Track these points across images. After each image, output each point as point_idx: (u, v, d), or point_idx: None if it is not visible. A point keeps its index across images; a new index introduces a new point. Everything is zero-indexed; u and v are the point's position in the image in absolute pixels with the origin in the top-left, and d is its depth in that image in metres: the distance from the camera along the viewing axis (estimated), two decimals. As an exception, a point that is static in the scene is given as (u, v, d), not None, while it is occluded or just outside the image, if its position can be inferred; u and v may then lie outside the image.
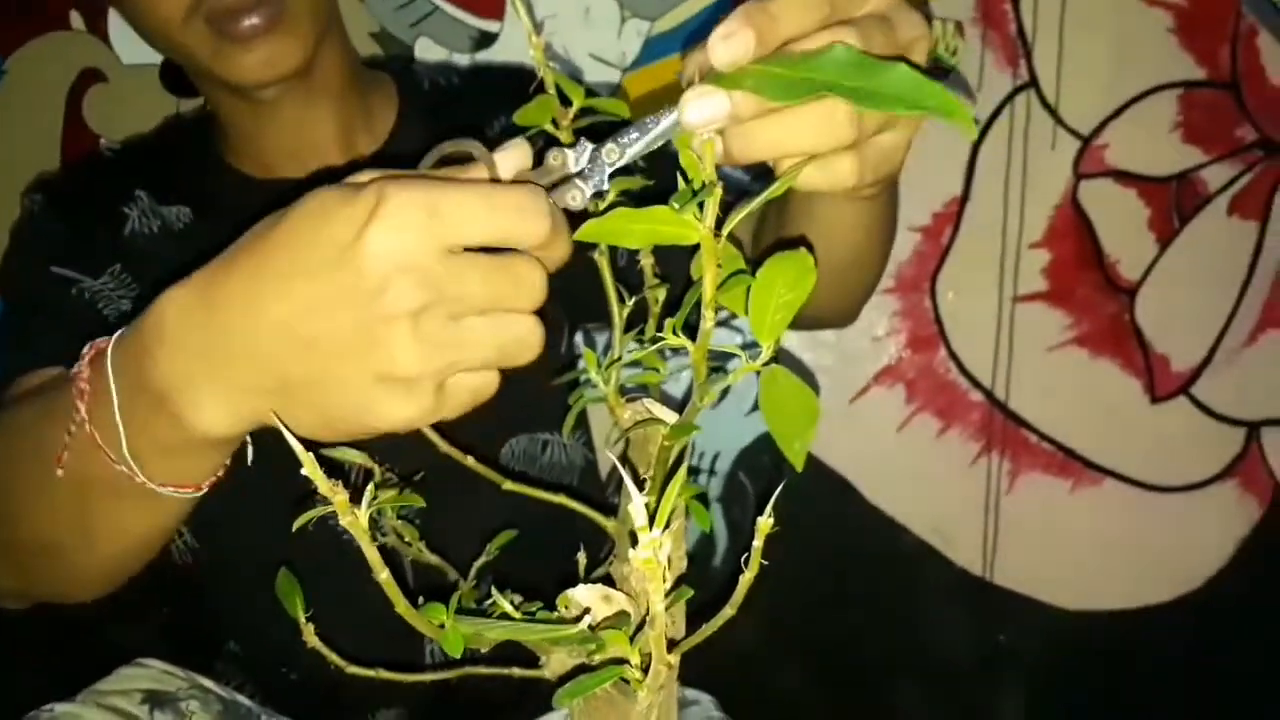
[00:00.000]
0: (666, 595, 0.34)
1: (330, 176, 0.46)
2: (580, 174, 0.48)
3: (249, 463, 0.52)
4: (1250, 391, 1.37)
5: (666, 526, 0.32)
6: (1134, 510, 1.39)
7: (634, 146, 0.47)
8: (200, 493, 0.53)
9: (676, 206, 0.39)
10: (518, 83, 0.53)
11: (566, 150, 0.48)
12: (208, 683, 0.92)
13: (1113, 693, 1.42)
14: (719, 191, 0.40)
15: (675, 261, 0.58)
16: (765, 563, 0.42)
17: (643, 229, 0.40)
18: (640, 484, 0.47)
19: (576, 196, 0.48)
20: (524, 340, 0.45)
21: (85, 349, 0.51)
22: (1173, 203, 1.34)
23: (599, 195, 0.49)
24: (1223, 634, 1.40)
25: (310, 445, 0.37)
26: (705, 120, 0.43)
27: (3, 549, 0.65)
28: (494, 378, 0.46)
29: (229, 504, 0.82)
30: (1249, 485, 1.39)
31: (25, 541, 0.61)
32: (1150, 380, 1.37)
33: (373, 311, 0.41)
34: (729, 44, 0.42)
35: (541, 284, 0.45)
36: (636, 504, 0.30)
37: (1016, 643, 1.41)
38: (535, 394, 0.81)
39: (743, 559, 0.41)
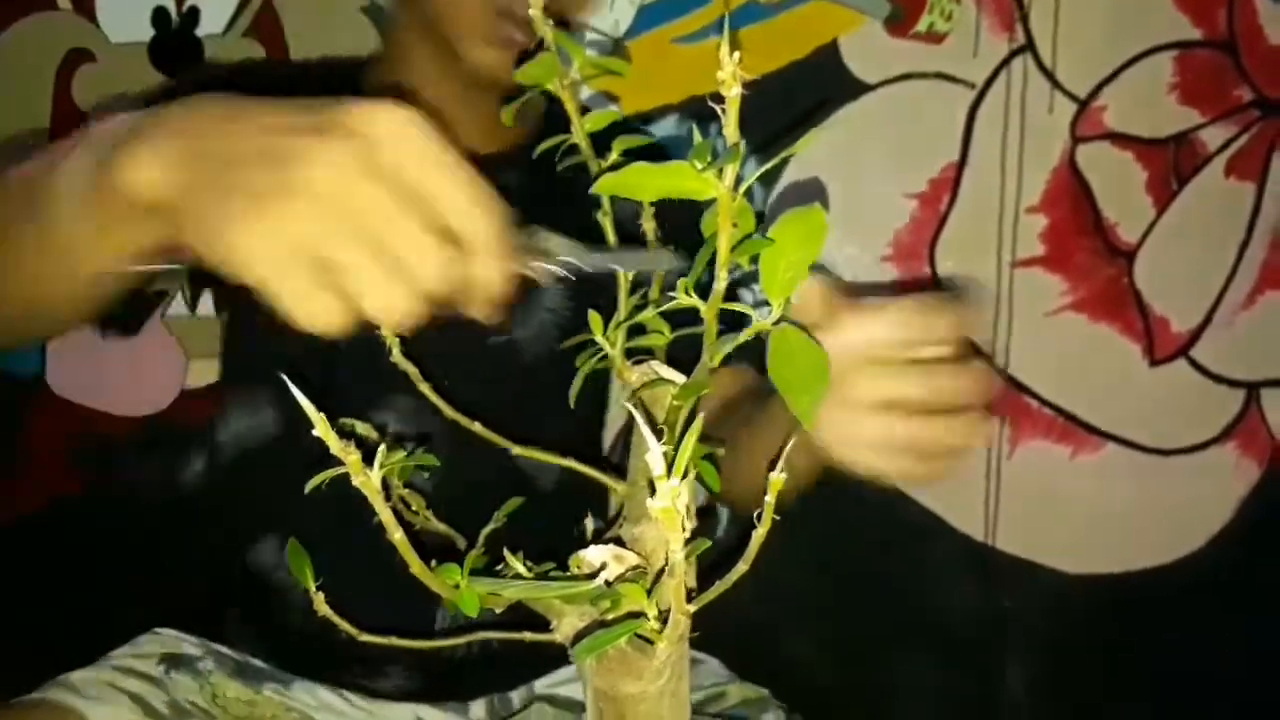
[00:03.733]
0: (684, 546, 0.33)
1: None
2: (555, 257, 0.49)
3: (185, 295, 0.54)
4: (1249, 353, 1.37)
5: (684, 476, 0.32)
6: (1135, 473, 1.39)
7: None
8: (94, 267, 0.52)
9: (697, 165, 0.39)
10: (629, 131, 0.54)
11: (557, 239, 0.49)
12: (221, 648, 0.94)
13: (1117, 656, 1.43)
14: (740, 151, 0.39)
15: (676, 227, 0.58)
16: (778, 517, 0.42)
17: (659, 183, 0.39)
18: (657, 434, 0.46)
19: (540, 267, 0.49)
20: (387, 288, 0.43)
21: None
22: (1170, 164, 1.33)
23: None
24: (1225, 594, 1.40)
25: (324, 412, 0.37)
26: None
27: None
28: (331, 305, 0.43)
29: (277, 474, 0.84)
30: (1248, 446, 1.39)
31: None
32: (1150, 343, 1.37)
33: (307, 160, 0.43)
34: None
35: (437, 267, 0.44)
36: (655, 452, 0.30)
37: (1020, 608, 1.42)
38: (554, 398, 0.82)
39: (755, 515, 0.41)
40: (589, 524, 0.56)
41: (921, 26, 1.30)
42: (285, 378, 0.38)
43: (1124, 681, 1.43)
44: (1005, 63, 1.32)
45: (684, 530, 0.32)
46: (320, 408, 0.38)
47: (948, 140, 1.34)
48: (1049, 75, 1.32)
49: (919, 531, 1.40)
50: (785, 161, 1.32)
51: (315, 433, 0.37)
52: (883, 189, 1.35)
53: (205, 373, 1.37)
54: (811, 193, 1.32)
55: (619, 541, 0.50)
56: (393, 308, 0.43)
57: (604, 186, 0.41)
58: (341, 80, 0.98)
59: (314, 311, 0.43)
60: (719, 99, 0.39)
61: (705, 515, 1.39)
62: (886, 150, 1.34)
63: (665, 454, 0.31)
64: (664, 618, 0.38)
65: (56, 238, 0.52)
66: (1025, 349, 1.37)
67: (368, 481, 0.37)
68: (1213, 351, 1.37)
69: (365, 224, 0.43)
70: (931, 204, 1.35)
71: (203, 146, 0.46)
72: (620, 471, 0.57)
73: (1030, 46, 1.31)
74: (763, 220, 0.42)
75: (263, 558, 0.95)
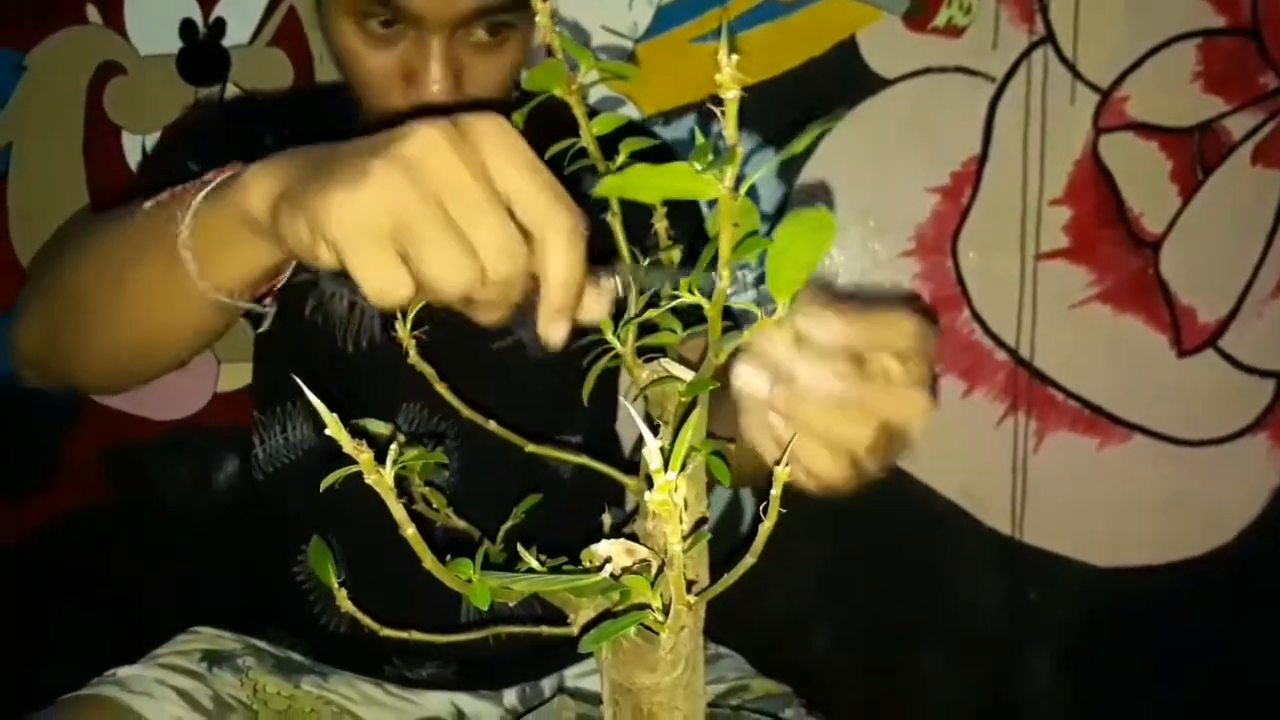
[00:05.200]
0: (684, 538, 0.34)
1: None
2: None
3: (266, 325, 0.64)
4: (1279, 342, 1.36)
5: (682, 469, 0.32)
6: (1163, 465, 1.38)
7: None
8: (207, 291, 0.58)
9: (696, 166, 0.39)
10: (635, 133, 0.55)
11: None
12: (260, 643, 0.96)
13: (1144, 649, 1.42)
14: (739, 152, 0.40)
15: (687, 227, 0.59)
16: (784, 511, 0.42)
17: (661, 184, 0.40)
18: (655, 430, 0.47)
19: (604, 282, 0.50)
20: (454, 258, 0.46)
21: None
22: (1195, 154, 1.32)
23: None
24: (1256, 586, 1.39)
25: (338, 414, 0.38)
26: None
27: (48, 304, 0.74)
28: (398, 274, 0.46)
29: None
30: (1280, 436, 1.38)
31: (70, 297, 0.70)
32: (1177, 334, 1.36)
33: (404, 138, 0.46)
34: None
35: (509, 250, 0.47)
36: (651, 447, 0.31)
37: (1047, 601, 1.41)
38: (562, 398, 0.83)
39: (761, 508, 0.42)
40: (606, 519, 0.57)
41: (940, 20, 1.30)
42: (299, 381, 0.39)
43: (1152, 676, 1.42)
44: (1025, 55, 1.31)
45: (682, 522, 0.33)
46: (341, 416, 0.39)
47: (969, 134, 1.33)
48: (1070, 66, 1.31)
49: (945, 525, 1.40)
50: (801, 160, 1.32)
51: (328, 432, 0.38)
52: (904, 183, 1.35)
53: (237, 377, 1.40)
54: (817, 194, 1.32)
55: (633, 536, 0.51)
56: (453, 275, 0.46)
57: (607, 188, 0.42)
58: (334, 102, 0.98)
59: (379, 277, 0.46)
60: (719, 101, 0.40)
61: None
62: (907, 145, 1.34)
63: (662, 449, 0.32)
64: (669, 608, 0.39)
65: (179, 263, 0.58)
66: (1050, 341, 1.37)
67: (380, 479, 0.39)
68: (1242, 341, 1.36)
69: (444, 195, 0.46)
70: (954, 197, 1.34)
71: (307, 160, 0.51)
72: (638, 467, 0.58)
73: (1050, 38, 1.31)
74: (779, 218, 0.43)
75: (308, 568, 0.97)
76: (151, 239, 0.61)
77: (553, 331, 0.49)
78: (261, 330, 0.68)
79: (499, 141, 0.47)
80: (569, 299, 0.48)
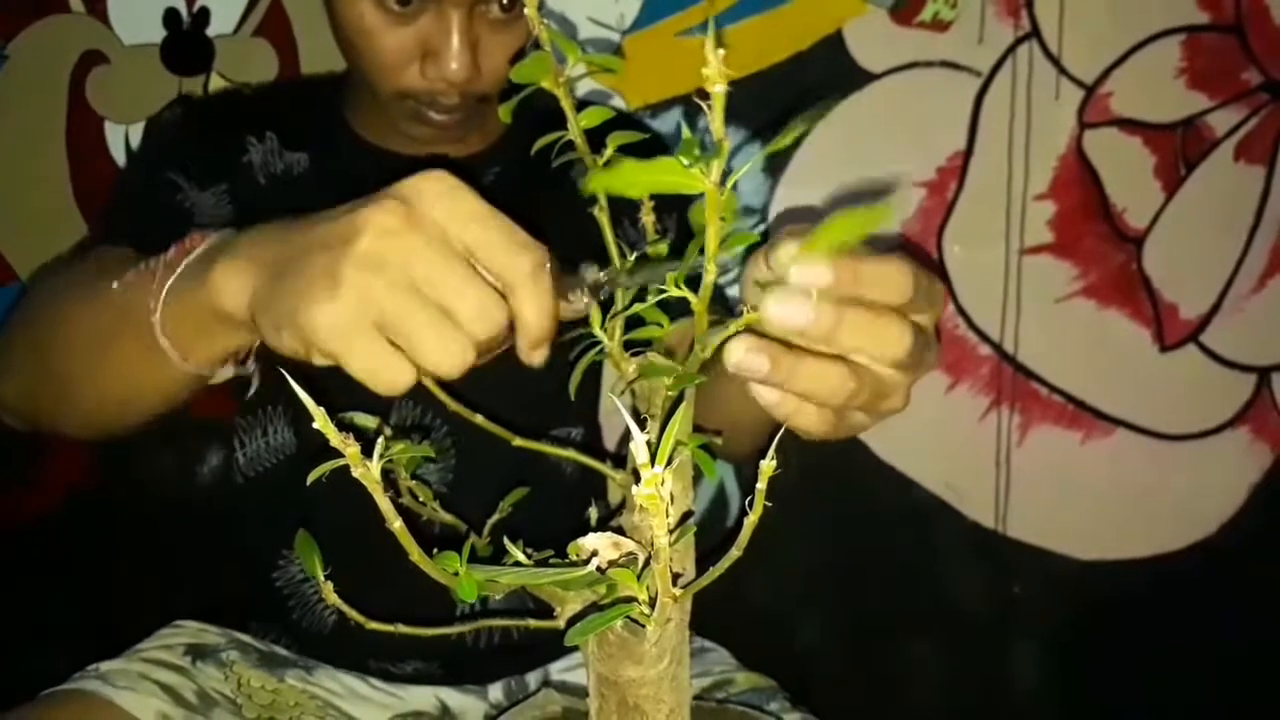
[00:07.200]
0: (670, 532, 0.34)
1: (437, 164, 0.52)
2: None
3: (247, 395, 0.65)
4: (1260, 337, 1.37)
5: (669, 463, 0.32)
6: (1145, 459, 1.39)
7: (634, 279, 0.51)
8: (190, 370, 0.61)
9: (684, 161, 0.39)
10: (623, 125, 0.55)
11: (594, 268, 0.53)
12: (244, 637, 0.96)
13: (1127, 641, 1.43)
14: (726, 146, 0.40)
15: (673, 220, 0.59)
16: (769, 504, 0.43)
17: (649, 179, 0.40)
18: (642, 424, 0.47)
19: (574, 298, 0.52)
20: (443, 340, 0.47)
21: (204, 235, 0.60)
22: (1178, 149, 1.33)
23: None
24: (1236, 580, 1.40)
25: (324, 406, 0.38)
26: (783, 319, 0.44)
27: (27, 368, 0.76)
28: (388, 354, 0.47)
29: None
30: (1260, 431, 1.39)
31: (49, 366, 0.73)
32: (1159, 329, 1.37)
33: (358, 233, 0.47)
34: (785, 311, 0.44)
35: (488, 315, 0.48)
36: (638, 440, 0.31)
37: (1030, 594, 1.42)
38: (552, 392, 0.83)
39: (746, 501, 0.42)
40: (593, 512, 0.57)
41: (926, 15, 1.30)
42: (286, 374, 0.39)
43: (1133, 668, 1.43)
44: (1011, 50, 1.31)
45: (668, 516, 0.33)
46: (333, 415, 0.39)
47: (954, 128, 1.34)
48: (1055, 62, 1.31)
49: (928, 518, 1.40)
50: (787, 154, 1.32)
51: (316, 425, 0.38)
52: (889, 178, 1.35)
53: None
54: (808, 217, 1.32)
55: (620, 530, 0.51)
56: (448, 357, 0.47)
57: (596, 184, 0.42)
58: (319, 96, 1.00)
59: (381, 371, 0.47)
60: (705, 95, 0.40)
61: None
62: (893, 139, 1.34)
63: (649, 442, 0.32)
64: (654, 602, 0.39)
65: (157, 345, 0.59)
66: (1034, 336, 1.37)
67: (367, 473, 0.39)
68: (1223, 336, 1.37)
69: (416, 278, 0.47)
70: (939, 192, 1.35)
71: (269, 255, 0.52)
72: (623, 461, 0.58)
73: (1036, 33, 1.31)
74: (765, 212, 0.43)
75: (289, 573, 0.97)
76: (124, 320, 0.62)
77: (534, 358, 0.51)
78: (250, 394, 0.70)
79: (447, 201, 0.48)
80: (544, 332, 0.50)
